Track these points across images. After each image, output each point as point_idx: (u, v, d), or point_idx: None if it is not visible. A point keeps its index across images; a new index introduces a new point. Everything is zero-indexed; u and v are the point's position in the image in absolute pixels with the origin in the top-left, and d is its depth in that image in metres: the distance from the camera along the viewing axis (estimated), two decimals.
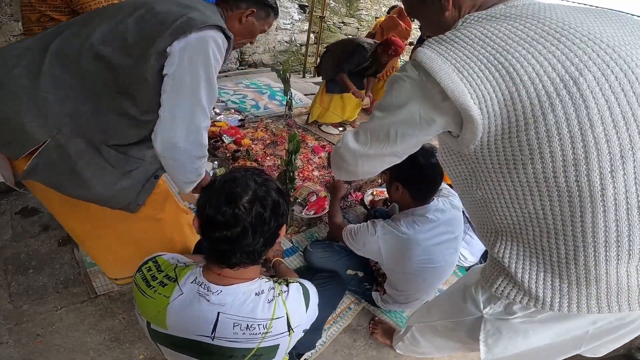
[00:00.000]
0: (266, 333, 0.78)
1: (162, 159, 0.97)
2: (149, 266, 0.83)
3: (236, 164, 2.56)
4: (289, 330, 0.81)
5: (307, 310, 0.85)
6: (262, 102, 4.06)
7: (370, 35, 4.37)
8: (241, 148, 2.78)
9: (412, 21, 4.04)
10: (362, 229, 1.33)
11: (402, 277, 1.35)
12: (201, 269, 0.81)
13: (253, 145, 2.86)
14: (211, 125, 2.97)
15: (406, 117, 0.66)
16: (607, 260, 0.57)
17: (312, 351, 1.40)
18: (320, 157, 2.87)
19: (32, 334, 1.37)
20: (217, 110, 3.51)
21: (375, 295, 1.55)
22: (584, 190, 0.55)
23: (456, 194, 1.42)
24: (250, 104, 3.98)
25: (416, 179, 1.22)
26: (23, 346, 1.33)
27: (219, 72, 3.68)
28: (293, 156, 1.63)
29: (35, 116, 0.88)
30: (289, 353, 1.13)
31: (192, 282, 0.78)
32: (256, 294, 0.79)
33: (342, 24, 5.94)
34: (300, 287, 0.87)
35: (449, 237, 1.33)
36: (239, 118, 3.39)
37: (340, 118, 3.65)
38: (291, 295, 0.83)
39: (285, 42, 5.42)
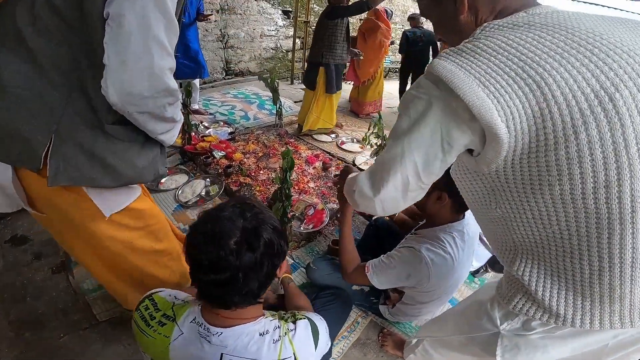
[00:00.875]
0: None
1: (127, 116, 0.81)
2: (146, 305, 0.79)
3: (229, 180, 2.48)
4: None
5: (316, 348, 0.80)
6: (251, 112, 3.98)
7: (353, 40, 4.35)
8: (233, 163, 2.69)
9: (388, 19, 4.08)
10: (401, 259, 1.16)
11: (426, 295, 1.28)
12: (199, 307, 0.76)
13: (245, 159, 2.78)
14: (200, 141, 2.90)
15: (426, 141, 0.59)
16: (632, 279, 0.55)
17: None
18: (315, 168, 2.81)
19: None
20: (206, 124, 3.42)
21: (382, 308, 1.49)
22: (614, 212, 0.52)
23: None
24: (240, 114, 3.90)
25: None
26: None
27: (205, 83, 3.60)
28: (288, 173, 1.57)
29: (26, 118, 0.79)
30: None
31: (191, 321, 0.74)
32: (260, 334, 0.74)
33: None
34: (309, 324, 0.82)
35: (471, 252, 1.28)
36: (229, 131, 3.31)
37: (332, 125, 3.61)
38: (298, 334, 0.78)
39: (271, 48, 5.37)
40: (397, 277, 1.19)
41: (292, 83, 5.50)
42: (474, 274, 1.86)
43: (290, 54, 5.37)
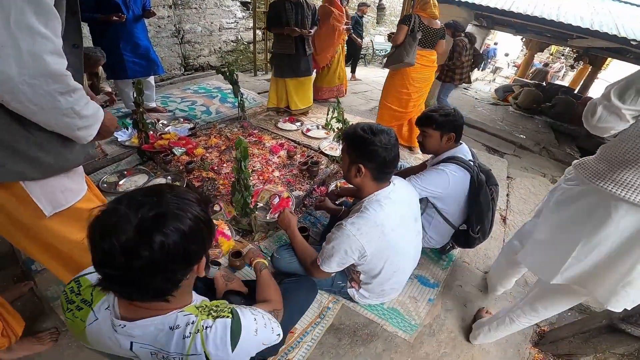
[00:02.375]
0: None
1: (11, 107, 0.79)
2: (72, 286, 0.77)
3: (191, 177, 2.41)
4: None
5: (233, 350, 0.73)
6: (213, 107, 3.88)
7: None
8: (195, 159, 2.63)
9: (343, 5, 4.08)
10: (334, 240, 1.22)
11: (375, 267, 1.33)
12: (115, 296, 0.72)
13: (207, 154, 2.71)
14: (159, 139, 2.80)
15: None
16: None
17: (297, 356, 1.36)
18: (279, 157, 2.79)
19: None
20: (165, 122, 3.30)
21: (351, 291, 1.52)
22: None
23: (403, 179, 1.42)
24: (201, 110, 3.79)
25: (378, 157, 1.17)
26: None
27: (163, 80, 3.43)
28: (242, 163, 1.54)
29: None
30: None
31: (106, 308, 0.72)
32: (170, 328, 0.70)
33: None
34: (229, 326, 0.74)
35: (410, 219, 1.35)
36: (189, 127, 3.21)
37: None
38: (213, 334, 0.72)
39: (232, 41, 5.22)
40: (340, 257, 1.24)
41: (255, 74, 5.39)
42: (442, 250, 1.92)
43: (252, 46, 5.24)
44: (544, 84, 7.96)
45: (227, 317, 0.75)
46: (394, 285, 1.46)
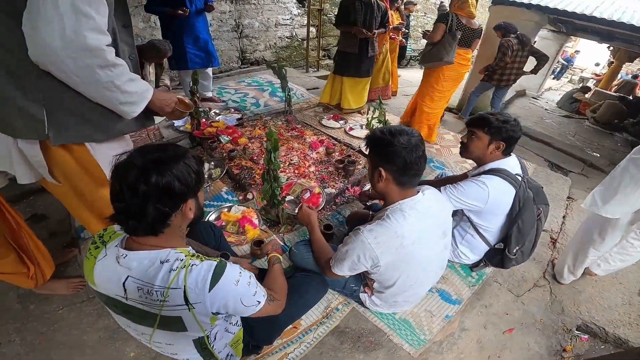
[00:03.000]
0: (164, 301, 0.79)
1: (58, 76, 0.90)
2: (101, 232, 0.90)
3: (232, 164, 2.54)
4: (187, 305, 0.80)
5: (210, 289, 0.80)
6: (262, 100, 4.04)
7: None
8: (237, 147, 2.76)
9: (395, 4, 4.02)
10: (349, 244, 1.19)
11: (389, 279, 1.27)
12: (126, 236, 0.85)
13: (250, 144, 2.83)
14: (208, 126, 2.99)
15: None
16: None
17: (295, 352, 1.36)
18: (318, 153, 2.81)
19: (37, 333, 1.43)
20: (217, 111, 3.51)
21: (363, 296, 1.47)
22: None
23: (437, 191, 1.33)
24: (251, 102, 3.97)
25: (398, 158, 1.10)
26: (29, 344, 1.39)
27: (222, 72, 3.72)
28: (272, 155, 1.58)
29: (15, 93, 0.92)
30: (244, 343, 1.14)
31: (115, 245, 0.83)
32: (161, 262, 0.80)
33: None
34: (213, 267, 0.82)
35: (437, 233, 1.25)
36: (237, 117, 3.37)
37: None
38: (195, 271, 0.80)
39: (286, 37, 5.37)
40: (352, 262, 1.20)
41: (307, 71, 5.48)
42: (473, 267, 1.78)
43: (305, 43, 5.33)
44: (630, 97, 6.92)
45: (214, 261, 0.84)
46: (408, 298, 1.39)
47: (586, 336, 1.60)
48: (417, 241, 1.15)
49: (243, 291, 0.89)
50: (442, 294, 1.64)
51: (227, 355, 1.09)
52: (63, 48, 0.83)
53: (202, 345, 0.95)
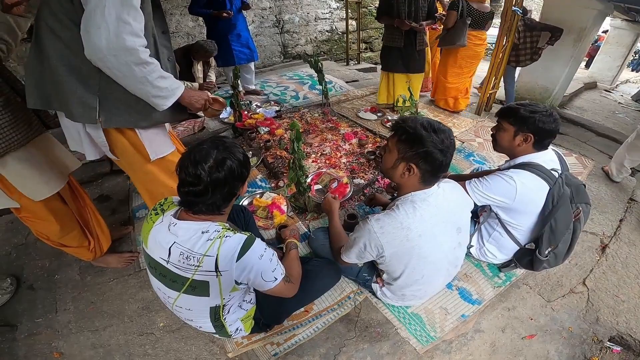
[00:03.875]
0: (198, 266, 0.92)
1: (104, 70, 1.08)
2: (162, 201, 1.08)
3: (267, 153, 2.69)
4: (216, 272, 0.93)
5: (237, 260, 0.93)
6: (302, 92, 4.15)
7: None
8: (274, 138, 2.90)
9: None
10: (357, 232, 1.22)
11: (396, 270, 1.26)
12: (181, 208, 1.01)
13: (286, 135, 2.96)
14: (249, 118, 3.18)
15: None
16: None
17: (303, 334, 1.42)
18: (351, 144, 2.85)
19: (88, 302, 1.66)
20: (258, 104, 3.71)
21: (375, 287, 1.48)
22: None
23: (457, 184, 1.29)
24: (291, 94, 4.10)
25: (435, 160, 1.06)
26: (80, 312, 1.62)
27: (265, 66, 3.99)
28: (296, 144, 1.65)
29: (76, 86, 1.13)
30: (255, 320, 1.25)
31: (171, 214, 0.99)
32: (202, 232, 0.93)
33: None
34: (244, 240, 0.95)
35: (451, 228, 1.22)
36: (276, 109, 3.52)
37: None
38: (228, 242, 0.93)
39: (326, 31, 5.41)
40: (359, 250, 1.21)
41: (347, 64, 5.47)
42: (502, 267, 1.68)
43: (345, 36, 5.32)
44: None
45: (245, 234, 0.97)
46: (415, 293, 1.37)
47: (619, 348, 1.44)
48: (425, 235, 1.14)
49: (265, 266, 1.01)
50: (462, 292, 1.58)
51: (237, 329, 1.20)
52: (107, 48, 1.01)
53: (216, 315, 1.08)
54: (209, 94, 1.41)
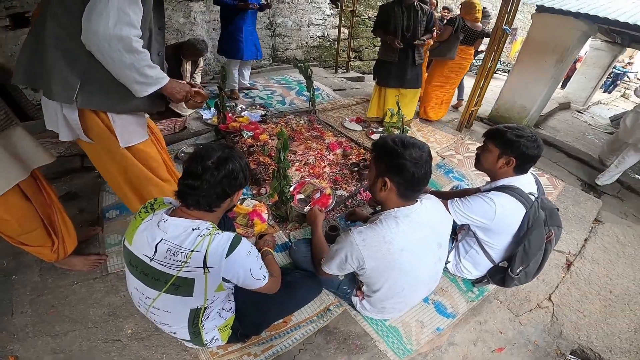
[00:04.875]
0: (185, 262, 0.93)
1: (97, 56, 1.14)
2: (152, 201, 1.09)
3: (250, 159, 2.64)
4: (204, 268, 0.94)
5: (226, 256, 0.96)
6: (288, 98, 4.12)
7: None
8: (257, 143, 2.86)
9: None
10: (339, 244, 1.23)
11: (376, 282, 1.28)
12: (174, 208, 1.05)
13: (270, 141, 2.92)
14: (232, 121, 3.12)
15: None
16: None
17: (281, 345, 1.40)
18: (335, 154, 2.85)
19: (48, 305, 1.55)
20: (243, 106, 3.65)
21: (355, 299, 1.48)
22: None
23: (438, 200, 1.32)
24: (277, 99, 4.07)
25: (407, 172, 1.10)
26: (38, 315, 1.51)
27: (253, 68, 3.94)
28: (282, 154, 1.63)
29: (64, 66, 1.18)
30: (233, 330, 1.22)
31: (162, 212, 1.01)
32: (192, 229, 0.96)
33: None
34: (232, 237, 0.98)
35: (432, 243, 1.25)
36: (261, 113, 3.48)
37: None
38: (217, 239, 0.96)
39: (318, 37, 5.43)
40: (340, 261, 1.22)
41: (336, 72, 5.51)
42: (475, 282, 1.73)
43: (336, 44, 5.37)
44: None
45: (233, 233, 1.01)
46: (395, 306, 1.39)
47: None
48: (407, 249, 1.16)
49: (253, 263, 1.04)
50: (437, 305, 1.62)
51: (213, 338, 1.17)
52: (103, 34, 1.08)
53: (195, 319, 1.05)
54: (192, 86, 1.45)
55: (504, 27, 3.26)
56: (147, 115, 1.60)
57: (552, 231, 1.45)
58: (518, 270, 1.46)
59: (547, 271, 1.95)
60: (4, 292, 1.62)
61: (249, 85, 4.20)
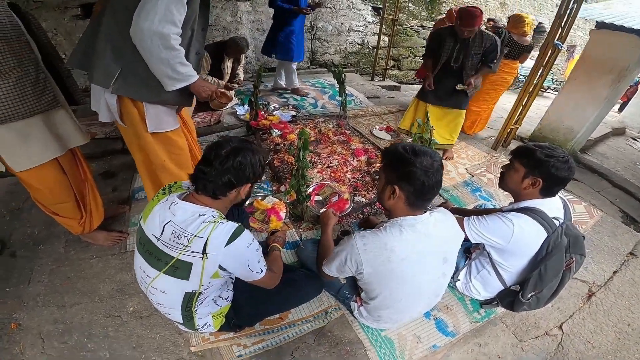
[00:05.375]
0: (186, 246, 0.97)
1: (137, 46, 1.26)
2: (171, 184, 1.17)
3: (275, 156, 2.71)
4: (203, 254, 0.97)
5: (226, 245, 0.99)
6: (321, 101, 4.18)
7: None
8: (284, 142, 2.93)
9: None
10: (341, 246, 1.24)
11: (373, 290, 1.26)
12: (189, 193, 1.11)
13: (296, 141, 2.98)
14: (264, 118, 3.23)
15: None
16: None
17: (273, 340, 1.42)
18: (359, 161, 2.84)
19: (64, 277, 1.67)
20: (276, 105, 3.76)
21: (353, 305, 1.48)
22: None
23: (451, 215, 1.28)
24: (310, 102, 4.14)
25: (417, 181, 1.08)
26: (53, 286, 1.62)
27: None
28: (301, 153, 1.67)
29: (109, 55, 1.33)
30: (227, 319, 1.25)
31: (176, 195, 1.07)
32: (199, 215, 1.00)
33: (420, 28, 5.68)
34: (235, 227, 1.02)
35: (437, 257, 1.21)
36: (292, 114, 3.56)
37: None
38: (220, 228, 0.99)
39: (357, 43, 5.45)
40: (340, 263, 1.22)
41: (372, 79, 5.49)
42: (483, 303, 1.65)
43: (375, 51, 5.35)
44: None
45: (236, 224, 1.03)
46: (391, 316, 1.36)
47: None
48: (408, 259, 1.13)
49: (251, 255, 1.06)
50: (438, 322, 1.56)
51: (205, 324, 1.21)
52: (148, 29, 1.20)
53: (188, 303, 1.09)
54: (219, 87, 1.52)
55: (555, 42, 3.08)
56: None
57: (574, 259, 1.35)
58: (529, 295, 1.37)
59: (564, 299, 1.82)
60: (27, 261, 1.76)
61: (297, 85, 4.26)
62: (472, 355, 1.50)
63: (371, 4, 5.23)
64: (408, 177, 1.09)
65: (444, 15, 4.06)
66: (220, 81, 3.46)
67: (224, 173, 1.02)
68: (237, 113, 3.51)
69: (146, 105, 1.46)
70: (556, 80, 9.05)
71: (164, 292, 1.07)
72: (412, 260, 1.14)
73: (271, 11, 3.81)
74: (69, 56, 1.41)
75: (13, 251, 1.82)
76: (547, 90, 9.00)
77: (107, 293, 1.62)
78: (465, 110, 3.12)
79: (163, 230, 1.00)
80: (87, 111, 1.74)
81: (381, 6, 5.16)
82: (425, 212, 1.19)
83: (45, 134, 1.42)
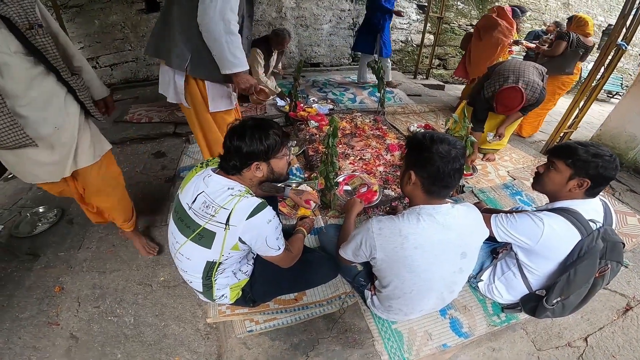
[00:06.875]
0: (212, 216, 1.04)
1: (203, 32, 1.46)
2: (209, 159, 1.25)
3: (310, 146, 2.81)
4: (226, 225, 1.03)
5: (247, 218, 1.04)
6: (360, 97, 4.21)
7: (468, 36, 3.94)
8: (320, 133, 3.01)
9: (516, 19, 3.63)
10: (358, 229, 1.24)
11: (384, 277, 1.26)
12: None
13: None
14: (301, 110, 3.35)
15: None
16: None
17: (284, 319, 1.46)
18: (392, 155, 2.84)
19: (109, 244, 1.83)
20: (315, 99, 3.86)
21: (367, 293, 1.47)
22: None
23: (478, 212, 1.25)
24: (349, 97, 4.19)
25: (431, 166, 1.06)
26: (99, 252, 1.76)
27: (333, 65, 4.24)
28: (331, 140, 1.72)
29: (182, 41, 1.56)
30: (244, 293, 1.32)
31: (212, 169, 1.14)
32: (228, 188, 1.07)
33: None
34: (257, 203, 1.06)
35: (454, 251, 1.18)
36: (330, 107, 3.64)
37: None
38: (245, 201, 1.05)
39: (401, 41, 5.36)
40: (355, 246, 1.23)
41: (415, 77, 5.38)
42: (505, 308, 1.57)
43: (419, 49, 5.24)
44: None
45: (260, 200, 1.08)
46: (402, 307, 1.33)
47: None
48: (422, 249, 1.12)
49: (270, 231, 1.11)
50: (453, 322, 1.51)
51: (222, 295, 1.28)
52: (212, 16, 1.41)
53: (209, 272, 1.17)
54: (259, 83, 1.68)
55: (618, 42, 2.82)
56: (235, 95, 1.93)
57: (609, 266, 1.25)
58: (555, 301, 1.29)
59: (597, 312, 1.68)
60: (82, 228, 1.94)
61: (391, 79, 4.60)
62: (483, 359, 1.44)
63: (416, 2, 5.12)
64: (423, 163, 1.09)
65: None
66: (268, 80, 3.64)
67: (234, 154, 1.08)
68: (278, 104, 3.67)
69: (208, 86, 1.68)
70: (626, 86, 8.16)
71: (189, 259, 1.15)
72: (425, 250, 1.12)
73: (314, 9, 3.97)
74: (145, 46, 1.69)
75: (70, 218, 2.03)
76: (616, 96, 8.15)
77: (144, 262, 1.75)
78: (524, 116, 2.89)
79: (195, 200, 1.07)
80: (147, 98, 1.96)
81: (426, 4, 5.04)
82: (446, 202, 1.17)
83: (95, 130, 1.46)
